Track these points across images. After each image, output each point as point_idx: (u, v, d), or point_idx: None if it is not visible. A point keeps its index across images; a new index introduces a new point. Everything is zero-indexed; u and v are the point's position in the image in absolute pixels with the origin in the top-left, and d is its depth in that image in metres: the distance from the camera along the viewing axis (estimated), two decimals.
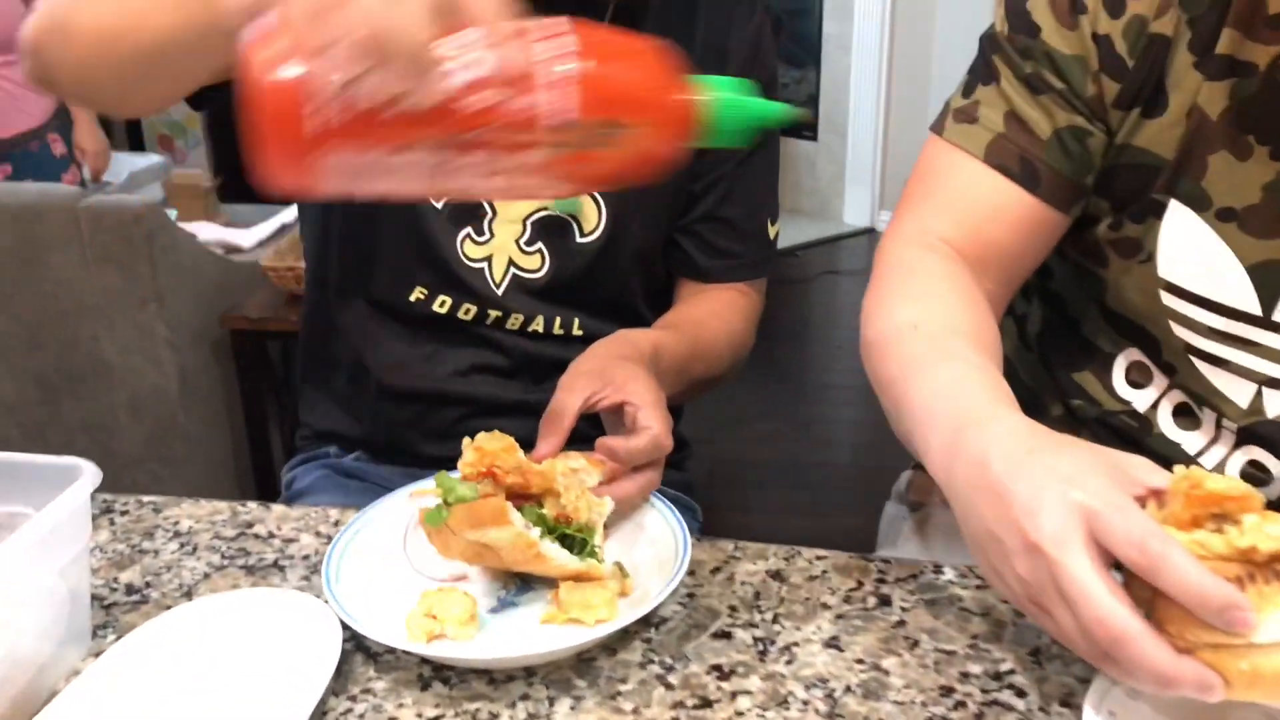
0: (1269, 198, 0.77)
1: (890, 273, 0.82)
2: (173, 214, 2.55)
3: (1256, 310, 0.80)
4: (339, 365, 1.11)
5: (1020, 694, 0.65)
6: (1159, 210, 0.80)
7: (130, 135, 4.87)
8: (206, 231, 2.55)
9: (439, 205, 0.99)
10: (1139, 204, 0.81)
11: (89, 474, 0.67)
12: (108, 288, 2.04)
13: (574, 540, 0.73)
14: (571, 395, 0.81)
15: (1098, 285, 0.87)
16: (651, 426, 0.79)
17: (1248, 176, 0.78)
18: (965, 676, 0.66)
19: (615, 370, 0.84)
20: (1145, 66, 0.78)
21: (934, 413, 0.67)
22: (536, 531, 0.69)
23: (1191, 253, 0.80)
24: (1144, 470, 0.58)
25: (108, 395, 2.14)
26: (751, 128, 0.62)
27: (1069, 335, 0.94)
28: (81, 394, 2.15)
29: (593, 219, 1.02)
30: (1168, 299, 0.82)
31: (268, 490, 2.24)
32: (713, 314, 1.08)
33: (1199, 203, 0.79)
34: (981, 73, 0.84)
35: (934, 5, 4.08)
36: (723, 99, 0.60)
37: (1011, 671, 0.66)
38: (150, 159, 3.85)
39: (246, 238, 2.60)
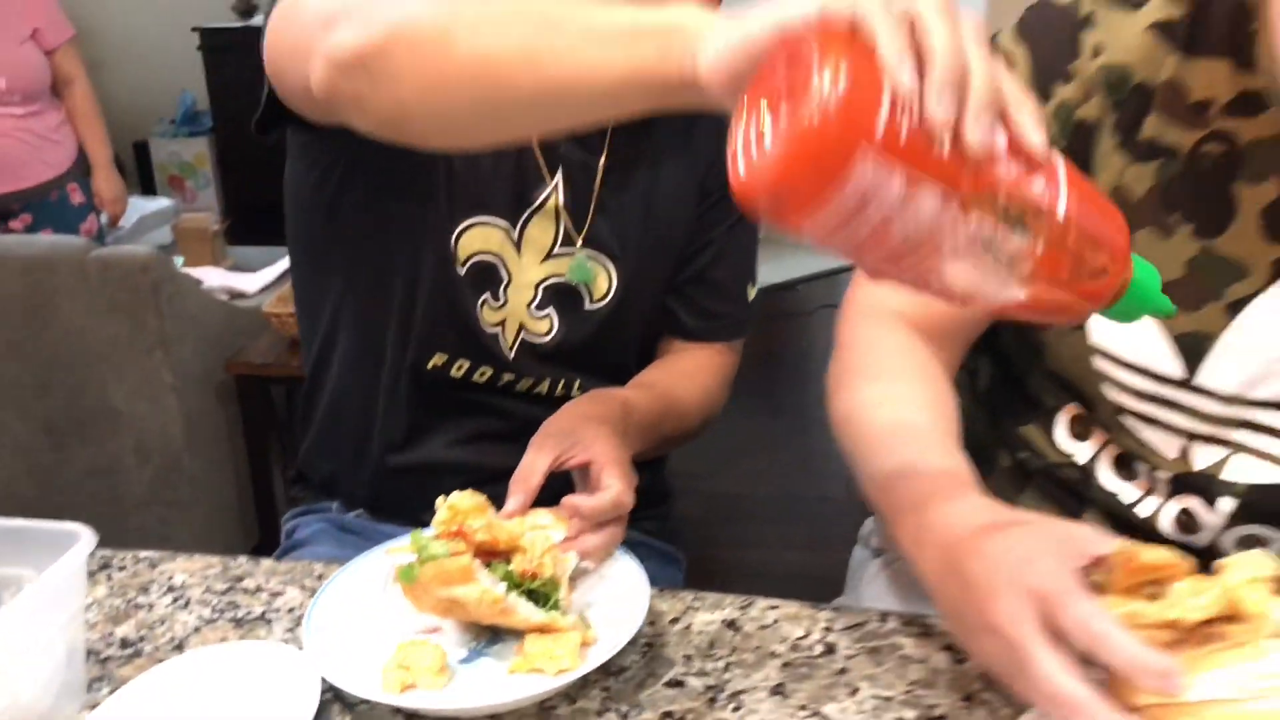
0: (1191, 273, 0.82)
1: (852, 349, 0.88)
2: (179, 261, 2.63)
3: (1180, 375, 0.85)
4: (342, 430, 1.14)
5: None
6: None
7: (141, 175, 4.97)
8: (212, 278, 2.62)
9: (461, 271, 1.02)
10: None
11: (85, 539, 0.72)
12: (115, 335, 2.11)
13: (539, 594, 0.78)
14: (540, 455, 0.87)
15: (1038, 348, 0.92)
16: (613, 485, 0.84)
17: (1171, 253, 0.83)
18: None
19: (583, 430, 0.89)
20: (1072, 148, 0.83)
21: (900, 495, 0.73)
22: (502, 587, 0.75)
23: (1122, 324, 0.85)
24: (1089, 540, 0.64)
25: (114, 440, 2.20)
26: (1142, 313, 0.65)
27: (1015, 391, 0.98)
28: (89, 439, 2.21)
29: (604, 286, 1.06)
30: (1099, 363, 0.87)
31: (270, 531, 2.30)
32: (687, 373, 1.13)
33: None
34: None
35: None
36: (1145, 278, 0.63)
37: (943, 717, 0.71)
38: (160, 203, 3.94)
39: (251, 283, 2.66)
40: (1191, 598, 0.58)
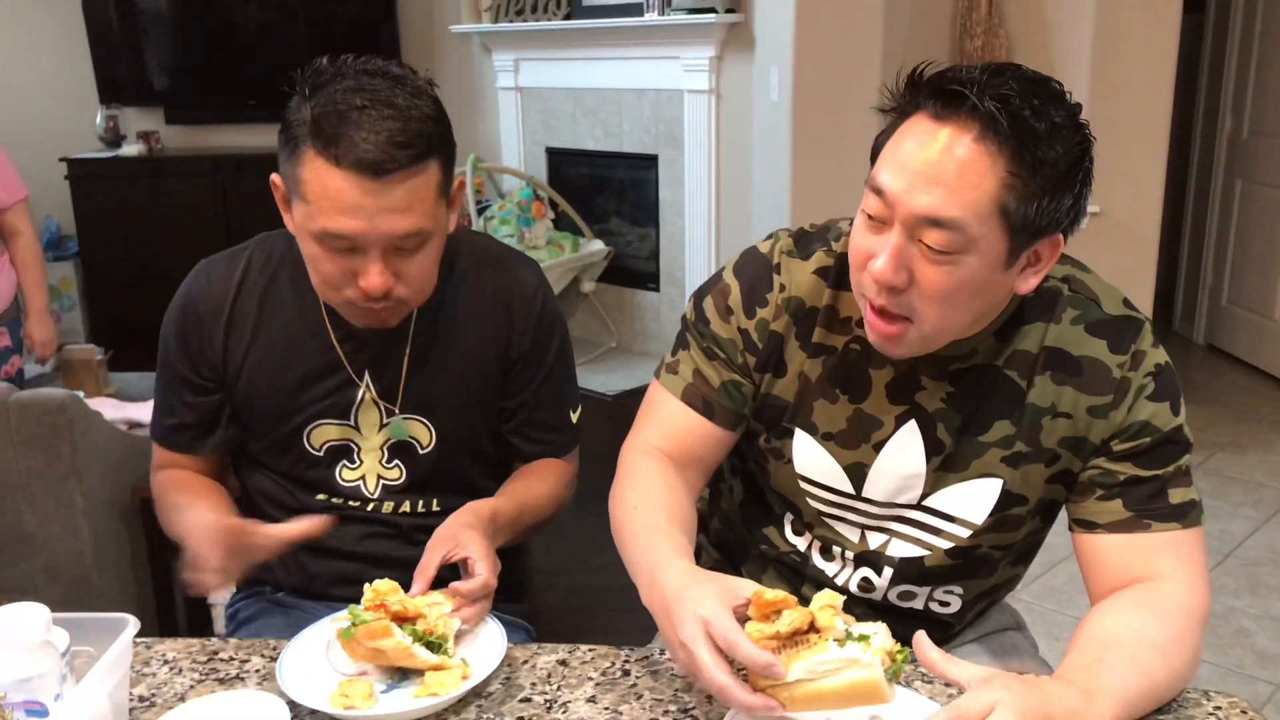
0: (850, 426, 1.29)
1: (625, 471, 1.32)
2: (81, 395, 2.90)
3: (852, 491, 1.31)
4: None
5: None
6: (790, 434, 1.32)
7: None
8: (110, 410, 2.90)
9: (320, 453, 1.48)
10: (778, 429, 1.32)
11: (132, 623, 1.08)
12: (31, 467, 2.39)
13: (434, 645, 1.17)
14: (432, 554, 1.28)
15: (765, 474, 1.38)
16: (482, 574, 1.25)
17: (838, 413, 1.29)
18: (666, 712, 1.13)
19: (461, 534, 1.30)
20: (769, 349, 1.30)
21: (641, 564, 1.16)
22: (410, 641, 1.14)
23: (812, 459, 1.31)
24: (744, 587, 1.07)
25: (26, 561, 2.46)
26: None
27: (757, 502, 1.43)
28: (1, 561, 2.46)
29: (426, 437, 1.49)
30: (803, 485, 1.33)
31: (171, 634, 2.57)
32: (538, 478, 1.55)
33: (812, 430, 1.31)
34: (681, 341, 1.36)
35: (749, 180, 4.74)
36: None
37: (692, 706, 1.13)
38: None
39: (144, 412, 2.96)
40: (787, 618, 1.02)
